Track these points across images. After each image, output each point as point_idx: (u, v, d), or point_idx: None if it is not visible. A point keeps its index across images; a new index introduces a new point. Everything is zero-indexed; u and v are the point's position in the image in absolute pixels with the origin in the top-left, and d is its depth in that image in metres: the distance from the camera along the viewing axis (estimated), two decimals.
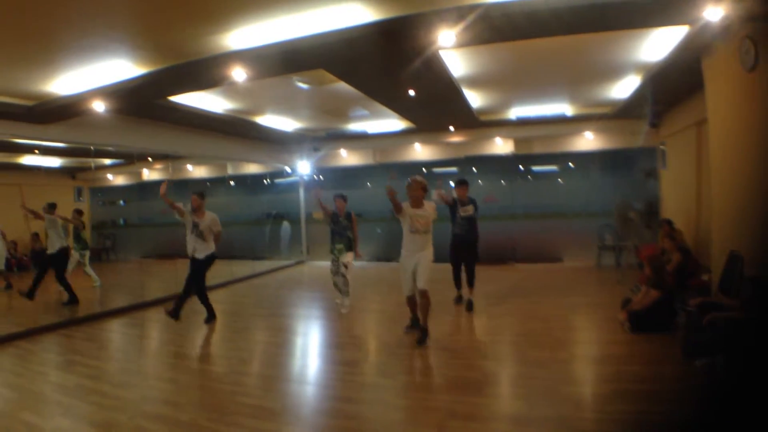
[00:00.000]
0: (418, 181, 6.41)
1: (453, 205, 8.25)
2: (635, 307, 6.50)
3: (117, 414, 4.60)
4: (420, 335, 6.35)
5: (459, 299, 8.47)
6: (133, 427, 4.31)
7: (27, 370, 6.07)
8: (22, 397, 5.15)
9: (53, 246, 9.19)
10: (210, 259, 7.81)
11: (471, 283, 8.26)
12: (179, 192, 15.80)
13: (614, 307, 7.17)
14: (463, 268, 8.38)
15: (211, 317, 7.98)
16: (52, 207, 9.34)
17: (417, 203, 6.36)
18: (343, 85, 7.97)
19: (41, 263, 9.43)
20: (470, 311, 7.94)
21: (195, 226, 7.63)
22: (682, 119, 9.81)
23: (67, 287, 9.27)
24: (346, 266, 8.28)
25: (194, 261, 7.71)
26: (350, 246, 8.35)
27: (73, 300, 9.21)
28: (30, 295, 8.97)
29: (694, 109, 8.68)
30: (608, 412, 4.24)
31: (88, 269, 10.81)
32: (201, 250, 7.66)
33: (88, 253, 10.69)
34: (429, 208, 6.42)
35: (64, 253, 9.33)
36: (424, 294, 6.31)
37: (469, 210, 8.15)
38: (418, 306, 6.50)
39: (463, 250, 8.26)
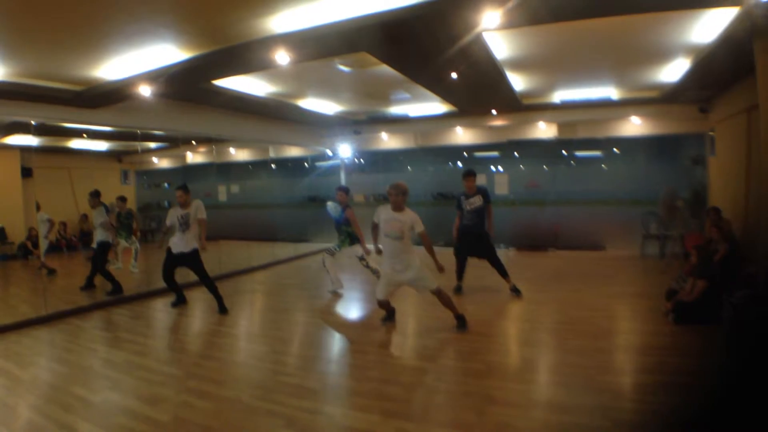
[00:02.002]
0: (396, 186, 6.16)
1: (458, 203, 8.14)
2: (684, 298, 6.36)
3: (163, 389, 4.74)
4: (458, 323, 6.33)
5: (459, 289, 8.24)
6: (179, 402, 4.43)
7: (77, 345, 6.28)
8: (72, 371, 5.34)
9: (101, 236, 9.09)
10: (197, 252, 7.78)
11: (504, 274, 8.06)
12: (222, 175, 16.10)
13: (658, 297, 7.05)
14: (481, 263, 8.20)
15: (179, 302, 8.24)
16: (95, 195, 9.22)
17: (397, 207, 6.16)
18: (385, 68, 7.94)
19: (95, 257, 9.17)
20: (518, 294, 7.87)
21: (183, 220, 7.59)
22: (732, 105, 9.49)
23: (108, 276, 9.08)
24: (363, 258, 8.59)
25: (184, 256, 7.67)
26: (352, 240, 8.55)
27: (117, 289, 8.95)
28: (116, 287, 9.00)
29: (744, 95, 8.39)
30: (648, 402, 4.19)
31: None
32: (188, 242, 7.63)
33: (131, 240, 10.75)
34: (408, 216, 6.14)
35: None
36: (438, 294, 6.28)
37: (475, 203, 7.99)
38: (443, 305, 6.38)
39: (473, 243, 8.06)
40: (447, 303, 6.34)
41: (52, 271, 10.51)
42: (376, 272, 8.44)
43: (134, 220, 10.67)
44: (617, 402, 4.20)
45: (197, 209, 7.66)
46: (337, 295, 8.60)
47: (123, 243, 10.56)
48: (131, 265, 10.75)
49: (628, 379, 4.86)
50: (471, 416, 4.02)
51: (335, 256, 8.68)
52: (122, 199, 10.49)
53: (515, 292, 7.94)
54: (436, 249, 6.22)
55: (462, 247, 8.20)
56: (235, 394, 4.61)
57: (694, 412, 3.92)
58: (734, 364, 4.84)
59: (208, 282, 7.81)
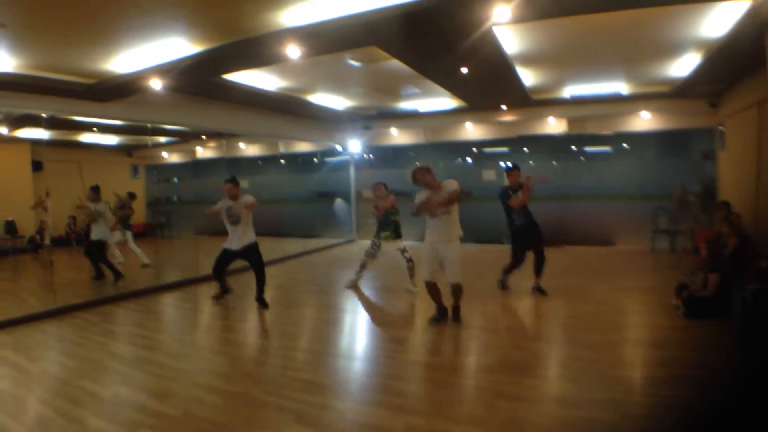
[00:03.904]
0: (419, 169, 6.12)
1: (504, 198, 7.71)
2: (696, 293, 6.30)
3: (173, 384, 4.74)
4: (454, 314, 6.29)
5: (503, 285, 8.03)
6: (188, 397, 4.43)
7: (87, 339, 6.28)
8: (82, 365, 5.34)
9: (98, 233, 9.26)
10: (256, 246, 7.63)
11: (539, 271, 7.78)
12: (232, 170, 16.08)
13: (668, 292, 6.98)
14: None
15: (223, 294, 8.01)
16: (96, 191, 9.36)
17: (432, 187, 6.10)
18: (395, 63, 7.92)
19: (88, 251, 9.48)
20: (543, 293, 7.66)
21: (230, 213, 7.43)
22: (742, 99, 9.44)
23: (111, 266, 9.38)
24: (404, 250, 8.20)
25: (248, 249, 7.53)
26: (398, 233, 8.25)
27: (117, 276, 9.31)
28: (99, 277, 9.37)
29: (755, 88, 8.34)
30: (660, 396, 4.14)
31: (133, 246, 10.85)
32: (241, 238, 7.47)
33: (129, 233, 10.82)
34: (448, 186, 6.05)
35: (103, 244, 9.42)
36: (457, 287, 6.18)
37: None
38: (450, 292, 6.27)
39: (529, 240, 7.73)
40: (457, 295, 6.24)
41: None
42: (412, 269, 8.14)
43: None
44: (629, 396, 4.18)
45: (246, 201, 7.45)
46: (353, 290, 8.56)
47: (118, 234, 10.64)
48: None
49: (640, 373, 4.84)
50: (481, 411, 4.01)
51: (376, 257, 8.49)
52: (131, 196, 10.59)
53: (539, 290, 7.75)
54: None
55: (520, 246, 7.87)
56: (245, 389, 4.60)
57: (707, 405, 3.90)
58: (746, 357, 4.83)
59: (260, 278, 7.59)
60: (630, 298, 7.61)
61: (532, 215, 7.75)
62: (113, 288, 9.00)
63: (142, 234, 11.02)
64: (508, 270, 8.03)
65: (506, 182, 7.86)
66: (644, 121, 12.28)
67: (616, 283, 8.38)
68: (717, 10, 6.11)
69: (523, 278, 7.97)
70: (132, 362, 5.40)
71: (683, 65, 8.74)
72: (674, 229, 11.51)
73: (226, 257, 7.59)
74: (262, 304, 7.50)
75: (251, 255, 7.56)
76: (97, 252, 9.30)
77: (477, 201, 6.39)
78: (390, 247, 8.34)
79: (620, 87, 10.86)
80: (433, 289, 6.35)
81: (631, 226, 12.37)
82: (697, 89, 10.17)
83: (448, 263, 6.12)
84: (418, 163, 6.20)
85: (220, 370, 5.16)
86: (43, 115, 8.31)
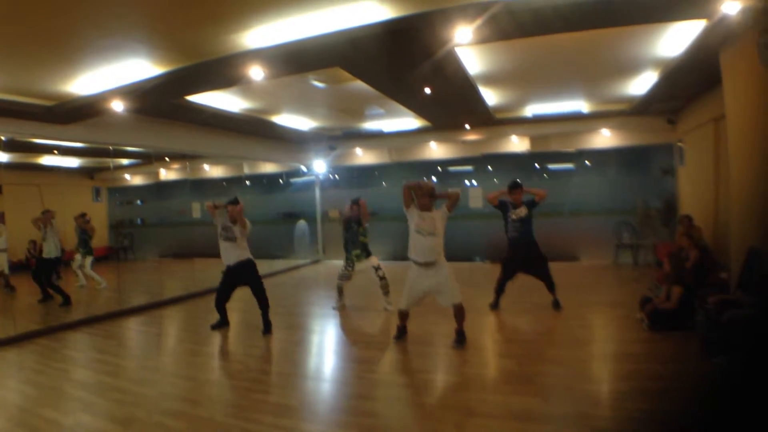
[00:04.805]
0: (421, 187, 6.10)
1: (504, 209, 7.89)
2: (660, 306, 6.41)
3: (136, 410, 4.64)
4: (457, 338, 6.19)
5: (495, 305, 7.99)
6: (152, 423, 4.34)
7: (47, 367, 6.13)
8: (42, 393, 5.20)
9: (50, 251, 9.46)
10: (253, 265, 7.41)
11: (551, 289, 7.87)
12: (196, 192, 15.94)
13: (632, 305, 7.11)
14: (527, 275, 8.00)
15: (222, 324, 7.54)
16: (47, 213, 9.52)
17: (424, 208, 6.06)
18: (359, 84, 7.97)
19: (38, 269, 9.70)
20: (558, 309, 7.71)
21: (226, 229, 7.24)
22: (699, 115, 9.72)
23: (58, 289, 9.46)
24: (378, 268, 8.19)
25: (239, 269, 7.30)
26: (367, 251, 8.23)
27: (66, 300, 9.38)
28: (45, 299, 9.42)
29: (711, 105, 8.59)
30: (627, 409, 4.21)
31: (89, 271, 10.88)
32: (237, 253, 7.24)
33: (90, 258, 10.86)
34: (436, 215, 6.01)
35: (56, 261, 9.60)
36: (457, 308, 6.10)
37: (521, 213, 7.76)
38: (456, 318, 6.19)
39: (524, 255, 7.77)
40: (460, 317, 6.17)
41: (11, 288, 10.41)
42: (386, 286, 8.21)
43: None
44: (595, 410, 4.22)
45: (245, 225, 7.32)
46: (342, 311, 8.47)
47: (78, 258, 10.56)
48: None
49: (606, 387, 4.90)
50: (450, 429, 4.01)
51: (351, 278, 8.41)
52: (83, 216, 10.63)
53: (556, 305, 7.81)
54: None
55: (511, 262, 7.89)
56: (211, 413, 4.53)
57: (673, 418, 3.95)
58: (709, 368, 4.91)
59: (263, 300, 7.37)
60: (595, 312, 7.71)
61: (531, 233, 7.85)
62: (64, 311, 8.95)
63: (104, 257, 10.83)
64: (498, 289, 8.02)
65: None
66: (605, 138, 12.53)
67: (581, 297, 8.47)
68: (673, 30, 6.30)
69: (491, 296, 8.02)
70: (94, 389, 5.28)
71: (641, 83, 8.96)
72: (637, 243, 11.78)
73: (228, 279, 7.35)
74: (267, 327, 7.29)
75: (249, 275, 7.34)
76: (45, 271, 9.45)
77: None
78: (363, 266, 8.27)
79: (581, 105, 11.08)
80: (403, 316, 6.42)
81: (595, 241, 12.57)
82: (656, 107, 10.43)
83: (442, 288, 6.06)
84: (426, 180, 6.10)
85: (185, 394, 5.07)
86: (2, 137, 8.15)
